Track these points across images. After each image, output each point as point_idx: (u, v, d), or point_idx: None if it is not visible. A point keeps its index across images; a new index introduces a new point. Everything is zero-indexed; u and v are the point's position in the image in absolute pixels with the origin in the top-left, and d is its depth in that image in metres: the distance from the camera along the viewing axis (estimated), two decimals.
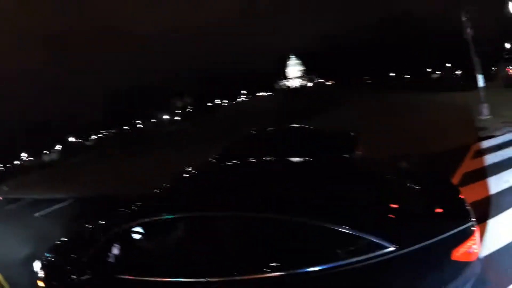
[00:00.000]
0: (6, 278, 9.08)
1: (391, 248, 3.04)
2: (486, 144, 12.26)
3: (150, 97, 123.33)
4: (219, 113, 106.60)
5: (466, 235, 3.26)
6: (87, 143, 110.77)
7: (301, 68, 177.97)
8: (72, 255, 4.90)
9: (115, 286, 4.03)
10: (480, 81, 18.09)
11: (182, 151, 29.78)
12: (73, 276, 4.46)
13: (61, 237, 6.00)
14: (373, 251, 3.06)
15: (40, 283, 5.09)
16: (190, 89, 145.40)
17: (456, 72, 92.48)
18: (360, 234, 3.12)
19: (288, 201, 3.70)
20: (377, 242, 3.07)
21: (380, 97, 48.52)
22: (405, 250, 3.07)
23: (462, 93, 32.35)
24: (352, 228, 3.15)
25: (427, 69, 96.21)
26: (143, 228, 4.36)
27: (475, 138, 13.33)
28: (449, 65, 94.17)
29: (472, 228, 3.33)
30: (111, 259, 4.14)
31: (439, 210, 3.59)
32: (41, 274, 5.13)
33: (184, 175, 5.39)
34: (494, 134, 13.48)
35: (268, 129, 11.18)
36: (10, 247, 11.88)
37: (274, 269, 3.27)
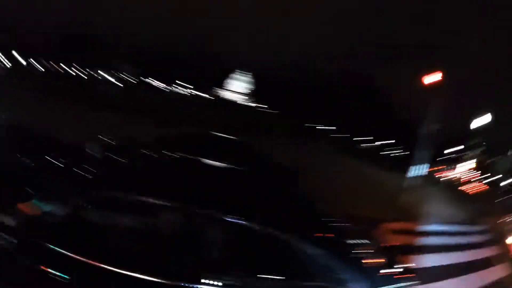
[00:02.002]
0: None
1: None
2: (395, 225, 13.15)
3: (98, 48, 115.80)
4: (151, 94, 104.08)
5: None
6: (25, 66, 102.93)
7: (250, 87, 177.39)
8: None
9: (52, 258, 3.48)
10: (413, 171, 19.15)
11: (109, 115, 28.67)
12: None
13: None
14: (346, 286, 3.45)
15: None
16: (141, 60, 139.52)
17: (393, 150, 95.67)
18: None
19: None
20: (354, 281, 3.46)
21: (317, 146, 49.48)
22: None
23: (396, 173, 34.44)
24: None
25: (367, 136, 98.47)
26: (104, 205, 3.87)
27: (390, 217, 14.22)
28: (392, 141, 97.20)
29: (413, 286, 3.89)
30: (54, 229, 3.62)
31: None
32: None
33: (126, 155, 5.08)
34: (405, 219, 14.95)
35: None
36: None
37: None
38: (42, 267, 3.42)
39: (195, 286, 3.25)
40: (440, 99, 20.03)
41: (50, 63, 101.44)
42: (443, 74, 19.58)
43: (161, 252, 3.49)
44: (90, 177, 4.21)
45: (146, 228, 3.68)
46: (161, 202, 3.58)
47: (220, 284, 3.32)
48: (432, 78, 19.36)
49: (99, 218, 3.83)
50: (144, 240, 3.62)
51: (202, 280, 3.27)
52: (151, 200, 3.58)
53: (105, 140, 7.61)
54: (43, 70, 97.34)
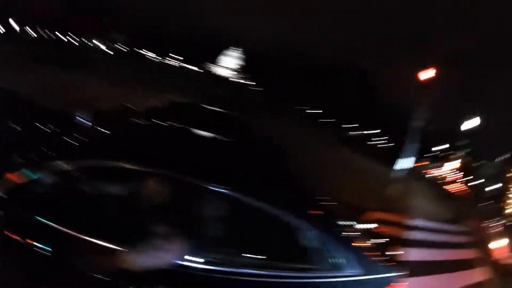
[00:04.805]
0: None
1: (354, 272, 3.42)
2: (381, 215, 13.10)
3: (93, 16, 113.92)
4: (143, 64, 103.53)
5: (397, 280, 3.70)
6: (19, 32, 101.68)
7: (240, 62, 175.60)
8: None
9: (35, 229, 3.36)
10: (402, 164, 19.13)
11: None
12: None
13: None
14: (338, 271, 3.40)
15: None
16: (135, 30, 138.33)
17: (378, 140, 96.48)
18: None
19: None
20: (345, 264, 3.42)
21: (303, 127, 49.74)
22: (368, 277, 3.48)
23: (382, 164, 35.41)
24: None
25: (351, 123, 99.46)
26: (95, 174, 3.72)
27: (376, 206, 13.91)
28: (376, 131, 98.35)
29: (401, 276, 3.77)
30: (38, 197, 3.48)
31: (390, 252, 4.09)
32: None
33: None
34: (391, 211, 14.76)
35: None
36: None
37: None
38: (28, 241, 3.33)
39: (178, 262, 3.14)
40: (432, 96, 19.98)
41: (44, 30, 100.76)
42: (437, 72, 19.42)
43: (145, 222, 3.27)
44: (79, 145, 4.04)
45: (132, 196, 3.56)
46: (149, 170, 3.48)
47: (201, 260, 3.22)
48: (426, 74, 19.22)
49: (86, 187, 3.70)
50: (130, 209, 3.49)
51: (186, 257, 3.16)
52: (139, 167, 3.48)
53: (95, 108, 7.45)
54: (36, 36, 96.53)
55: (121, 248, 3.07)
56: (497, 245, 17.40)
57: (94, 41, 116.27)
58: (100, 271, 3.12)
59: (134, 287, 3.12)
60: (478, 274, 13.07)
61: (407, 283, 3.82)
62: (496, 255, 16.93)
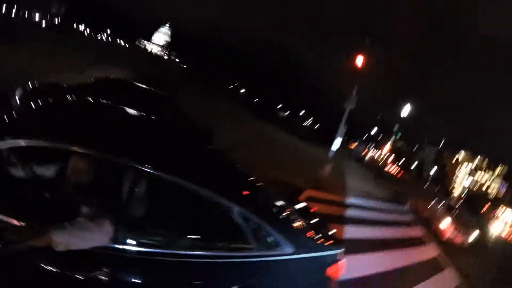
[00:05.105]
0: None
1: (291, 251, 3.34)
2: (316, 194, 13.41)
3: None
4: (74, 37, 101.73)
5: (338, 258, 3.69)
6: None
7: (168, 39, 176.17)
8: None
9: None
10: (336, 145, 19.30)
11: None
12: None
13: None
14: (275, 250, 3.32)
15: None
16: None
17: (305, 123, 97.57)
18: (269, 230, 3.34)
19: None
20: (281, 243, 3.32)
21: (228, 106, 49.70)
22: (304, 255, 3.43)
23: (316, 144, 35.85)
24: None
25: (278, 104, 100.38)
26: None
27: (311, 186, 14.27)
28: (303, 112, 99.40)
29: (340, 254, 3.74)
30: None
31: (328, 232, 4.14)
32: None
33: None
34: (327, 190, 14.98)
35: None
36: None
37: None
38: None
39: (107, 245, 2.89)
40: (365, 81, 20.15)
41: None
42: (369, 58, 19.56)
43: (72, 203, 3.03)
44: (8, 122, 3.54)
45: (59, 176, 3.39)
46: (75, 148, 3.10)
47: (133, 242, 3.01)
48: (358, 59, 19.26)
49: (13, 167, 3.41)
50: (57, 190, 3.26)
51: (116, 239, 2.93)
52: (65, 146, 3.11)
53: (22, 83, 7.02)
54: None
55: (47, 230, 2.67)
56: (443, 224, 18.03)
57: (30, 12, 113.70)
58: (29, 254, 2.74)
59: (66, 270, 2.84)
60: (424, 252, 13.15)
61: (345, 260, 3.76)
62: (442, 234, 17.55)
